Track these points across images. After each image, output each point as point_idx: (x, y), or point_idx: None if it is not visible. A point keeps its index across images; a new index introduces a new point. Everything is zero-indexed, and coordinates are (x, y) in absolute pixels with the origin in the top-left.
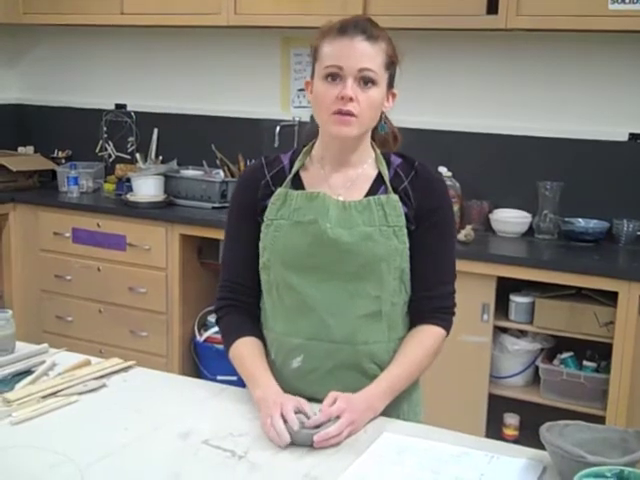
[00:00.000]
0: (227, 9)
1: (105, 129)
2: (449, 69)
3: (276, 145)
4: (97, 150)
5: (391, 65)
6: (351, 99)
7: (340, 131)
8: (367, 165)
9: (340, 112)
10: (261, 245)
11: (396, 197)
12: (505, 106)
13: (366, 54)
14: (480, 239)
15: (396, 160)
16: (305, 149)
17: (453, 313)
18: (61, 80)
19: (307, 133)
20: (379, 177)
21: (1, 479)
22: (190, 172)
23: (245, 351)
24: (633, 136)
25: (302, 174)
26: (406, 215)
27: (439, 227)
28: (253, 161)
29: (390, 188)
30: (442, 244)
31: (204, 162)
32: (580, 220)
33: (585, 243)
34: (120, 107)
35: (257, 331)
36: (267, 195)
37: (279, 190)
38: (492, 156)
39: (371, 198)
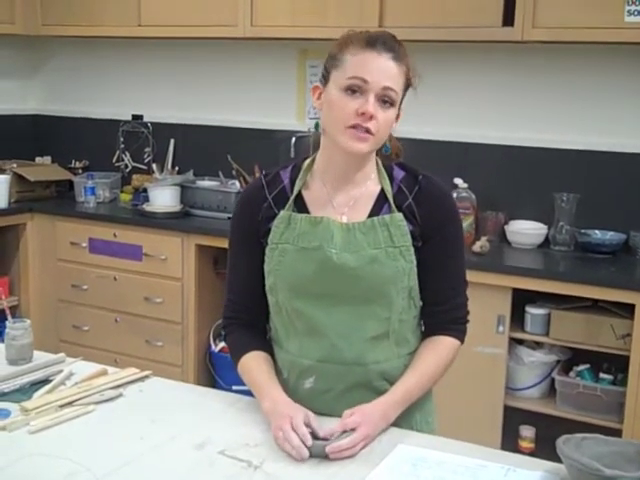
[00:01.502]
0: (244, 21)
1: (122, 140)
2: (465, 81)
3: (292, 156)
4: (114, 160)
5: (407, 87)
6: (372, 116)
7: (354, 147)
8: (370, 182)
9: (357, 127)
10: (266, 268)
11: (400, 216)
12: (521, 118)
13: (391, 73)
14: (495, 250)
15: (399, 174)
16: (306, 165)
17: (467, 321)
18: (78, 91)
19: (310, 144)
20: (382, 194)
21: None
22: (206, 183)
23: (253, 364)
24: None
25: (304, 193)
26: (412, 233)
27: (448, 241)
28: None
29: (394, 206)
30: (452, 258)
31: (220, 173)
32: (596, 232)
33: (601, 255)
34: (137, 118)
35: (264, 345)
36: (270, 218)
37: (282, 213)
38: (508, 167)
39: (375, 219)
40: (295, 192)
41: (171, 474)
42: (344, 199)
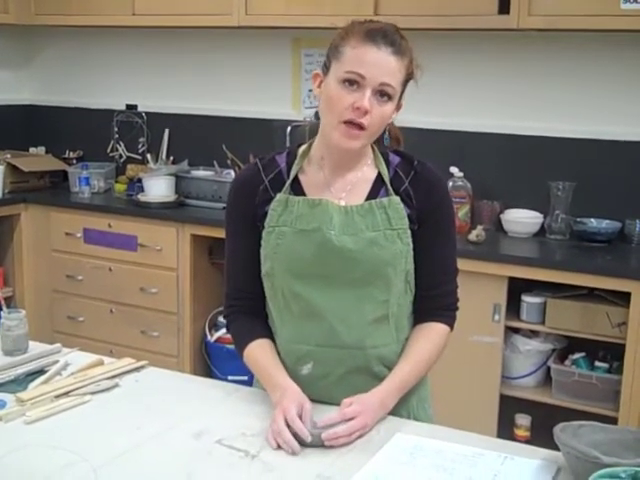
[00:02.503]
0: (238, 10)
1: (116, 130)
2: (461, 69)
3: (287, 145)
4: (108, 150)
5: (408, 80)
6: (367, 111)
7: (346, 144)
8: (367, 167)
9: (351, 122)
10: (263, 252)
11: (398, 199)
12: (516, 106)
13: (390, 69)
14: (491, 239)
15: (395, 159)
16: (302, 150)
17: (457, 308)
18: (72, 81)
19: (308, 131)
20: (379, 178)
21: (15, 478)
22: (201, 172)
23: (258, 353)
24: None
25: (301, 177)
26: (408, 216)
27: (441, 226)
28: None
29: (391, 189)
30: (444, 242)
31: (215, 162)
32: (592, 220)
33: (597, 243)
34: (131, 108)
35: (267, 332)
36: (266, 201)
37: (279, 196)
38: (503, 156)
39: (373, 201)
40: (292, 175)
41: (168, 464)
42: (341, 184)
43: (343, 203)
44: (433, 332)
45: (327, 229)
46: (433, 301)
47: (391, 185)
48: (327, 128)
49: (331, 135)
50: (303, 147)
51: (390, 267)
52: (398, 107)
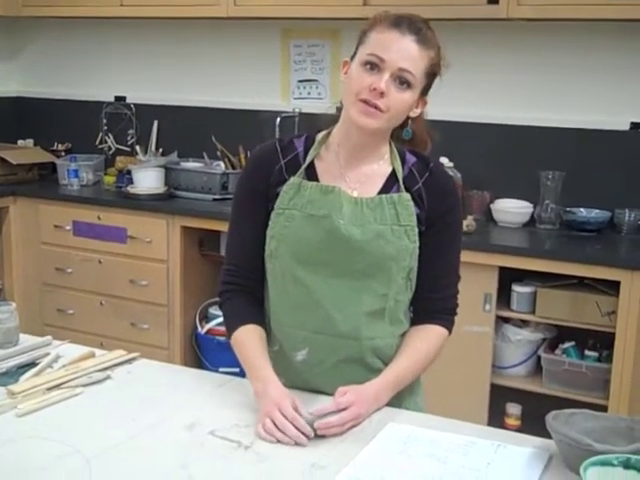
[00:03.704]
0: (227, 0)
1: (105, 121)
2: (450, 59)
3: (277, 136)
4: (97, 142)
5: (432, 74)
6: (382, 94)
7: (362, 121)
8: (382, 161)
9: (367, 102)
10: (269, 233)
11: (408, 196)
12: (506, 96)
13: (412, 55)
14: (481, 229)
15: (411, 159)
16: (321, 137)
17: (455, 314)
18: (61, 73)
19: (329, 119)
20: (393, 174)
21: (8, 470)
22: (190, 164)
23: (246, 339)
24: (635, 125)
25: (316, 163)
26: (417, 216)
27: (449, 230)
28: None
29: (403, 187)
30: (451, 247)
31: (204, 154)
32: (582, 210)
33: (587, 233)
34: (120, 99)
35: (260, 317)
36: (280, 182)
37: (293, 179)
38: (493, 146)
39: (383, 196)
40: (308, 160)
41: (161, 455)
42: (356, 175)
43: (355, 194)
44: (431, 334)
45: (336, 217)
46: (433, 304)
47: (404, 184)
48: (346, 106)
49: (349, 112)
50: (323, 133)
51: (393, 262)
52: (423, 102)
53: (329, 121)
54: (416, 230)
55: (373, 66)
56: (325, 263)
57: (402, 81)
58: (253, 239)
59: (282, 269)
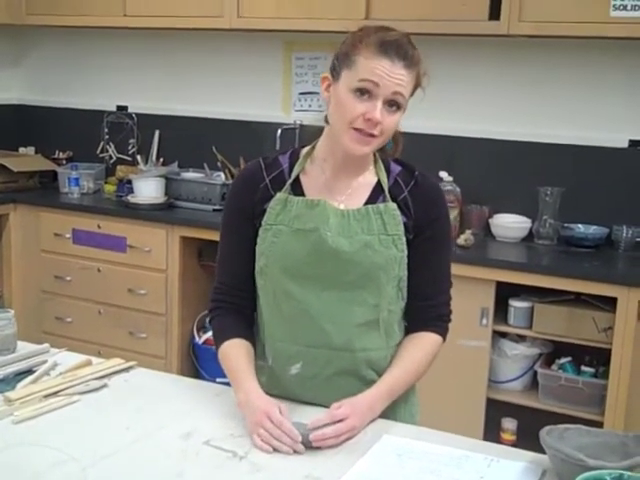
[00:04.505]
0: (230, 12)
1: (106, 130)
2: (451, 74)
3: (277, 148)
4: (98, 151)
5: (415, 89)
6: (378, 122)
7: (357, 150)
8: (367, 173)
9: (362, 132)
10: (258, 250)
11: (394, 205)
12: (506, 111)
13: (403, 80)
14: (480, 244)
15: (396, 168)
16: (306, 151)
17: (449, 320)
18: (63, 81)
19: (311, 132)
20: (378, 185)
21: (4, 477)
22: (191, 174)
23: (232, 352)
24: (633, 143)
25: (302, 178)
26: (405, 225)
27: (438, 238)
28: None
29: (389, 197)
30: (440, 254)
31: (205, 164)
32: (580, 226)
33: (584, 249)
34: (122, 109)
35: (248, 333)
36: (266, 199)
37: (279, 195)
38: (492, 161)
39: (370, 207)
40: (293, 176)
41: (156, 464)
42: (342, 187)
43: (342, 206)
44: (425, 342)
45: (324, 230)
46: (426, 311)
47: (390, 193)
48: (337, 133)
49: (341, 139)
50: (307, 148)
51: (382, 271)
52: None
53: (315, 134)
54: (404, 239)
55: (363, 92)
56: (315, 276)
57: (393, 104)
58: (241, 257)
59: (273, 284)
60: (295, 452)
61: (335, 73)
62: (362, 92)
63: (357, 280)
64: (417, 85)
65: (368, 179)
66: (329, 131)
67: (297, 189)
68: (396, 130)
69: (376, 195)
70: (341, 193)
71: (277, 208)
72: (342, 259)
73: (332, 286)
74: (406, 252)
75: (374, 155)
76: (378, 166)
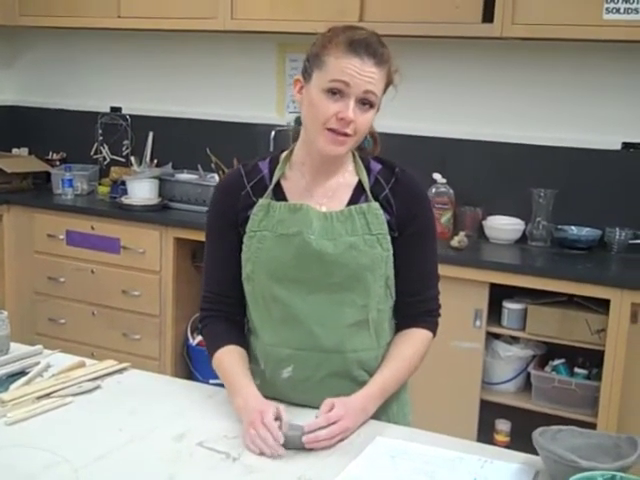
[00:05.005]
0: (224, 14)
1: (100, 132)
2: (444, 76)
3: (271, 149)
4: (92, 153)
5: (388, 85)
6: (351, 121)
7: (332, 150)
8: (347, 173)
9: (335, 131)
10: (243, 257)
11: (377, 205)
12: (500, 113)
13: (374, 78)
14: (473, 246)
15: (376, 166)
16: (284, 155)
17: (439, 315)
18: (57, 82)
19: (290, 137)
20: (359, 185)
21: None
22: (185, 176)
23: (227, 359)
24: (626, 145)
25: (283, 183)
26: (388, 222)
27: (421, 233)
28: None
29: (371, 196)
30: (425, 249)
31: (199, 166)
32: (573, 228)
33: (578, 251)
34: (115, 110)
35: (240, 339)
36: (248, 206)
37: (261, 201)
38: (486, 163)
39: (352, 207)
40: (274, 181)
41: (150, 465)
42: (323, 190)
43: (324, 209)
44: (415, 338)
45: (307, 233)
46: (415, 307)
47: (371, 192)
48: (311, 134)
49: (316, 141)
50: (285, 153)
51: (369, 272)
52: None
53: (295, 135)
54: (388, 238)
55: (335, 92)
56: (302, 280)
57: (365, 102)
58: (227, 265)
59: (261, 290)
60: (276, 455)
61: (307, 75)
62: (334, 92)
63: (344, 282)
64: (389, 82)
65: (349, 180)
66: (304, 134)
67: (279, 194)
68: (372, 128)
69: (358, 195)
70: (322, 195)
71: (260, 214)
72: (327, 261)
73: (319, 289)
74: (391, 250)
75: (353, 155)
76: (358, 166)
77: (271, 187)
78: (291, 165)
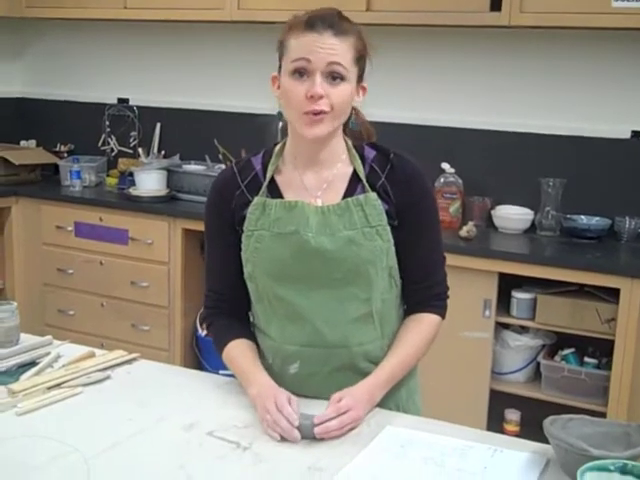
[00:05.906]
0: (230, 4)
1: (108, 123)
2: (452, 66)
3: (278, 140)
4: (100, 144)
5: (360, 59)
6: (321, 96)
7: (311, 132)
8: (341, 163)
9: (311, 112)
10: (243, 256)
11: (374, 195)
12: (508, 103)
13: (335, 49)
14: (482, 235)
15: (370, 153)
16: (276, 150)
17: (447, 297)
18: (64, 74)
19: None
20: (355, 175)
21: (7, 469)
22: (192, 167)
23: (236, 352)
24: (635, 134)
25: (277, 178)
26: (387, 212)
27: (423, 217)
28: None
29: (367, 186)
30: (428, 234)
31: (207, 157)
32: (582, 217)
33: (587, 240)
34: (123, 101)
35: (247, 332)
36: (244, 205)
37: (256, 199)
38: (494, 153)
39: (349, 200)
40: (268, 177)
41: (160, 455)
42: (317, 182)
43: (320, 203)
44: (423, 323)
45: (304, 231)
46: (422, 293)
47: (367, 181)
48: (293, 124)
49: (298, 129)
50: (278, 146)
51: (370, 265)
52: (362, 89)
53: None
54: (388, 228)
55: (302, 72)
56: (302, 278)
57: (334, 76)
58: (228, 263)
59: (263, 289)
60: (288, 439)
61: (279, 68)
62: (300, 73)
63: (345, 277)
64: (362, 55)
65: (343, 170)
66: (290, 127)
67: (274, 190)
68: (363, 117)
69: (354, 186)
70: (317, 188)
71: (256, 213)
72: (327, 258)
73: (321, 285)
74: (392, 241)
75: (346, 143)
76: (352, 154)
77: (265, 184)
78: (284, 158)
